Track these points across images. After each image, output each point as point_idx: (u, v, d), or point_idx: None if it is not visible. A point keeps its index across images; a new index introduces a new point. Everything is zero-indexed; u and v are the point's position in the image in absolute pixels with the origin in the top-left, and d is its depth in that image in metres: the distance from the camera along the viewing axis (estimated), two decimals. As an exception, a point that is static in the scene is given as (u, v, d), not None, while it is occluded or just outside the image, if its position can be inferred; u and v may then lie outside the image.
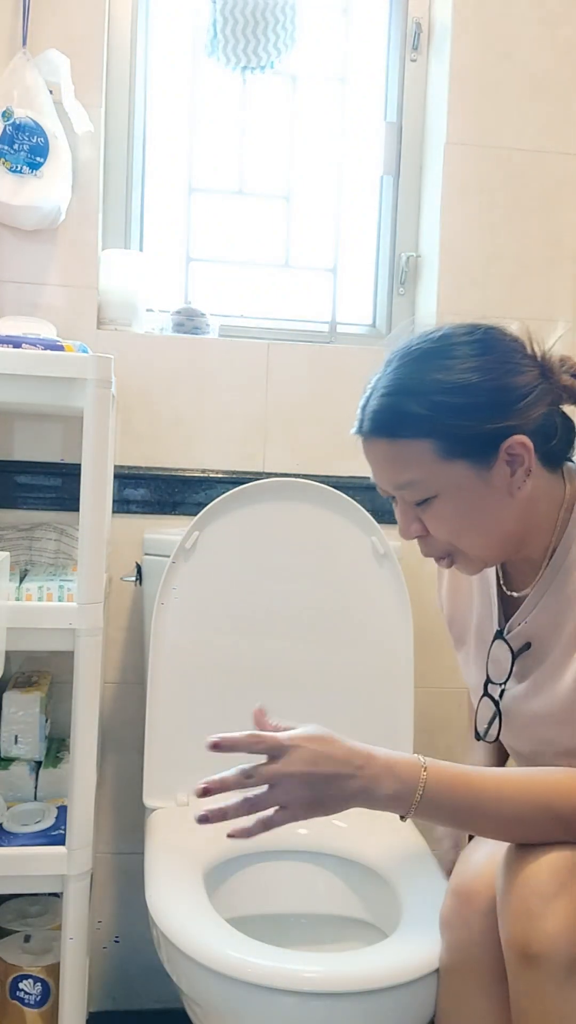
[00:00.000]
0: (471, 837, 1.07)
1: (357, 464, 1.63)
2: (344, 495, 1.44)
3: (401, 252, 1.76)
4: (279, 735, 0.89)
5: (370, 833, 1.29)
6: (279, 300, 1.77)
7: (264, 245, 1.76)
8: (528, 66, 1.65)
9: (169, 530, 1.50)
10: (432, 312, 1.66)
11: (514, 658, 1.01)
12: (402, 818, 0.90)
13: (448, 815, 0.90)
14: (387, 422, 0.93)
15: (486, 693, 1.06)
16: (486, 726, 1.06)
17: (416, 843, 1.26)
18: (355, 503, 1.44)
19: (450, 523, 0.93)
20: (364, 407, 0.97)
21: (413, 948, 1.00)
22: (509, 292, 1.65)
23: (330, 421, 1.63)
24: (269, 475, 1.59)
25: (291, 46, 1.63)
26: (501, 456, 0.90)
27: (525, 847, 0.88)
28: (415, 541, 0.99)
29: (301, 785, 0.87)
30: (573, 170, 1.68)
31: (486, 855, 0.98)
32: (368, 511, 1.44)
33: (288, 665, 1.43)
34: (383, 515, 1.55)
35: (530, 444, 0.90)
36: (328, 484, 1.45)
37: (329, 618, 1.44)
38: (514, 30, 1.64)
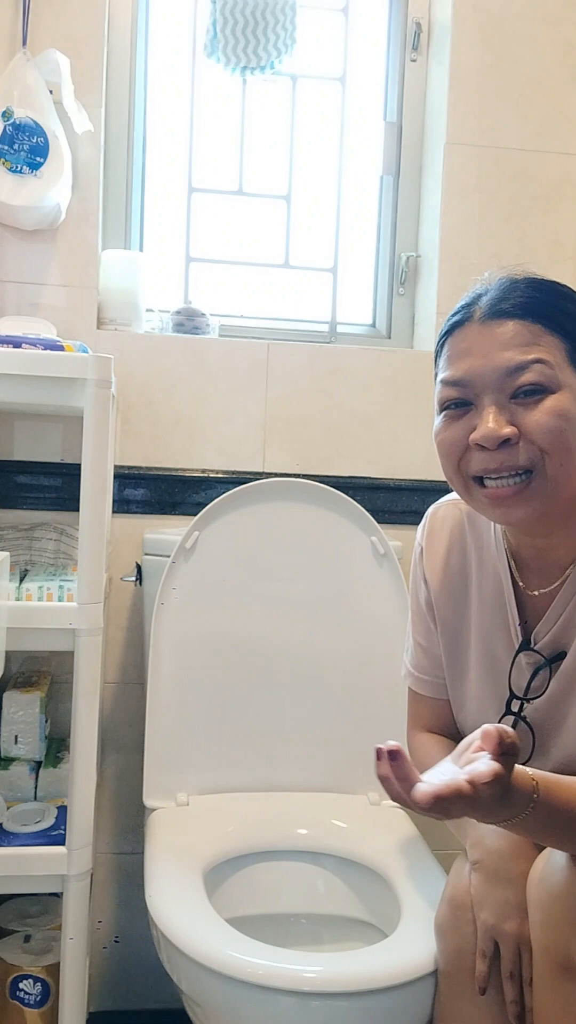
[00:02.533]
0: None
1: (357, 464, 1.64)
2: (344, 495, 1.44)
3: (401, 252, 1.76)
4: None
5: (370, 833, 1.29)
6: (279, 300, 1.77)
7: (264, 245, 1.76)
8: (528, 66, 1.65)
9: (169, 530, 1.50)
10: (432, 312, 1.66)
11: (549, 669, 0.94)
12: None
13: (559, 824, 0.81)
14: (528, 305, 0.87)
15: (508, 711, 0.99)
16: None
17: (416, 843, 1.26)
18: (355, 503, 1.44)
19: (558, 424, 0.85)
20: (481, 296, 0.90)
21: (412, 948, 1.00)
22: (509, 292, 1.65)
23: (330, 421, 1.63)
24: (269, 475, 1.59)
25: (291, 46, 1.63)
26: None
27: (569, 858, 0.84)
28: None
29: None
30: (573, 170, 1.68)
31: None
32: (368, 511, 1.44)
33: (288, 664, 1.43)
34: (383, 515, 1.56)
35: None
36: (328, 484, 1.45)
37: (329, 618, 1.44)
38: (514, 30, 1.64)
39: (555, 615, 0.95)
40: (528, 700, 0.98)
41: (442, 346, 0.93)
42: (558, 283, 0.92)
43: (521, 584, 1.00)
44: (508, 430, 0.86)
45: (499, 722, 0.97)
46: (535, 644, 0.97)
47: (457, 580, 1.06)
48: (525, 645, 0.98)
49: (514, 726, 0.98)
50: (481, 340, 0.88)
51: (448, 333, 0.91)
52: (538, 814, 0.78)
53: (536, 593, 0.98)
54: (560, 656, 0.94)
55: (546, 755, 0.98)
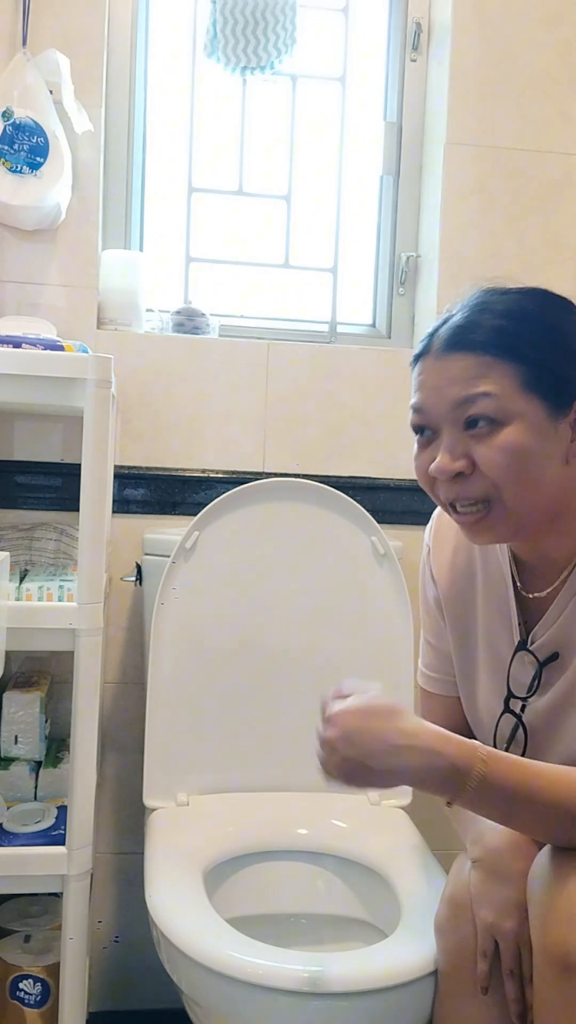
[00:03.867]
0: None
1: (357, 464, 1.64)
2: (344, 495, 1.44)
3: (401, 252, 1.76)
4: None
5: (370, 833, 1.29)
6: (279, 300, 1.77)
7: (264, 245, 1.76)
8: (528, 66, 1.65)
9: (169, 530, 1.50)
10: (432, 312, 1.66)
11: (540, 670, 0.96)
12: (448, 804, 0.87)
13: (503, 801, 0.84)
14: (477, 337, 0.87)
15: (507, 709, 1.00)
16: (506, 745, 1.00)
17: (416, 843, 1.26)
18: (355, 503, 1.44)
19: (509, 458, 0.86)
20: (442, 326, 0.91)
21: (412, 948, 1.00)
22: (509, 292, 1.65)
23: (330, 421, 1.63)
24: (269, 475, 1.59)
25: (291, 46, 1.63)
26: (571, 414, 0.88)
27: (569, 855, 0.85)
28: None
29: (350, 730, 0.89)
30: (573, 170, 1.68)
31: None
32: (368, 511, 1.44)
33: (288, 665, 1.43)
34: (383, 515, 1.56)
35: None
36: (328, 484, 1.45)
37: (329, 618, 1.44)
38: (514, 30, 1.64)
39: (552, 617, 0.95)
40: (526, 700, 0.98)
41: (412, 371, 0.96)
42: (537, 298, 0.91)
43: (522, 585, 1.00)
44: (459, 464, 0.89)
45: (498, 721, 1.00)
46: (532, 644, 0.97)
47: (464, 579, 1.07)
48: (522, 645, 0.98)
49: (515, 727, 0.99)
50: (434, 373, 0.91)
51: (414, 361, 0.95)
52: (487, 791, 0.82)
53: (537, 595, 0.98)
54: (553, 657, 0.95)
55: (544, 758, 0.97)
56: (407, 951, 0.99)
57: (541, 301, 0.91)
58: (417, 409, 0.93)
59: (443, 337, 0.90)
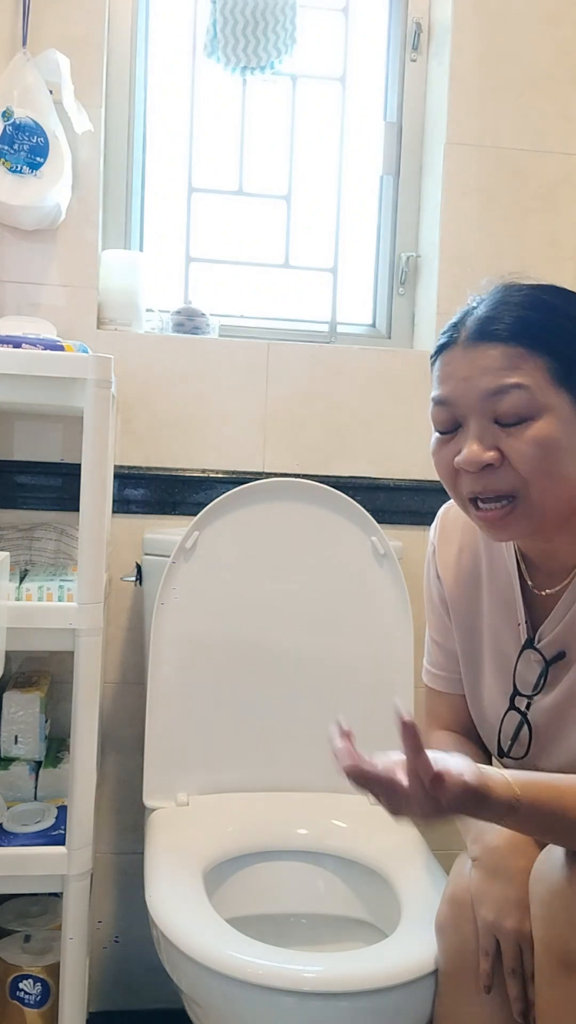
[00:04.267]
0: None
1: (357, 464, 1.64)
2: (344, 495, 1.44)
3: (401, 252, 1.76)
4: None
5: (370, 833, 1.29)
6: (279, 300, 1.77)
7: (264, 245, 1.76)
8: (528, 66, 1.65)
9: (169, 530, 1.50)
10: (432, 312, 1.66)
11: (546, 668, 0.96)
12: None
13: (538, 824, 0.83)
14: (507, 328, 0.87)
15: (512, 707, 1.00)
16: (510, 742, 1.00)
17: (416, 843, 1.26)
18: (355, 503, 1.44)
19: (540, 451, 0.85)
20: (467, 318, 0.90)
21: (412, 948, 1.00)
22: (509, 292, 1.65)
23: (330, 421, 1.63)
24: (269, 475, 1.59)
25: (291, 46, 1.63)
26: None
27: (572, 855, 0.84)
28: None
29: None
30: (573, 170, 1.68)
31: None
32: (368, 511, 1.44)
33: (288, 665, 1.43)
34: (383, 515, 1.56)
35: None
36: (328, 484, 1.45)
37: (329, 618, 1.44)
38: (514, 30, 1.64)
39: (559, 615, 0.95)
40: (531, 698, 0.98)
41: (433, 364, 0.93)
42: (556, 293, 0.91)
43: (530, 583, 1.00)
44: (489, 455, 0.87)
45: (503, 718, 1.00)
46: (539, 643, 0.97)
47: (469, 577, 1.07)
48: (529, 643, 0.98)
49: (519, 724, 0.99)
50: (463, 364, 0.88)
51: (437, 353, 0.92)
52: (523, 817, 0.81)
53: (544, 593, 0.98)
54: (559, 656, 0.95)
55: (548, 756, 0.98)
56: (407, 951, 0.99)
57: (561, 295, 0.91)
58: (442, 401, 0.90)
59: (471, 328, 0.89)
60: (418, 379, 1.64)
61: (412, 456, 1.65)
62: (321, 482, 1.45)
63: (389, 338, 1.78)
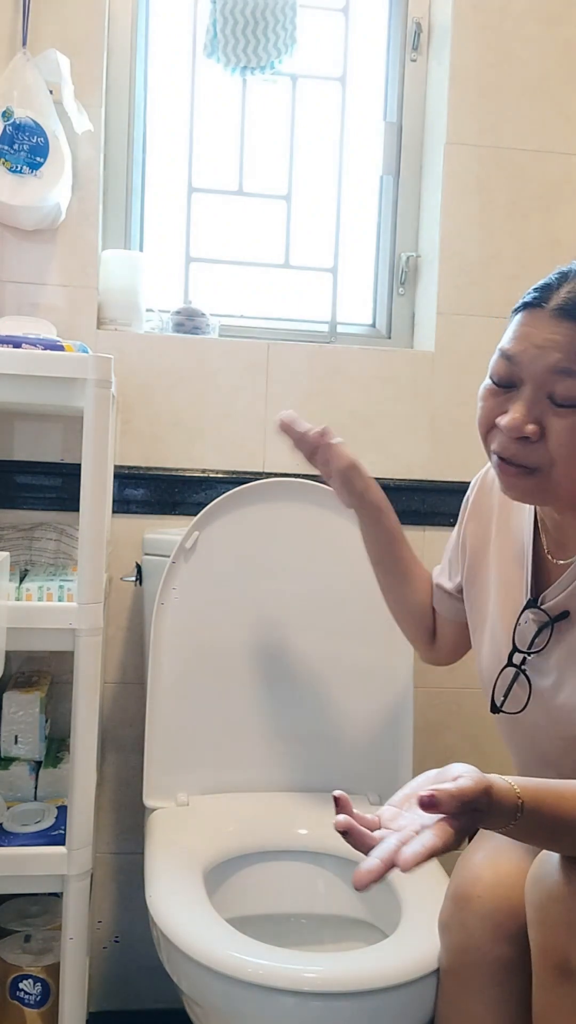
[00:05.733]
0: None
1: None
2: (344, 495, 1.44)
3: (401, 252, 1.76)
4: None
5: (370, 833, 1.28)
6: (279, 300, 1.77)
7: (264, 245, 1.76)
8: (528, 66, 1.65)
9: (169, 530, 1.50)
10: (432, 312, 1.66)
11: (551, 627, 0.97)
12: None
13: (545, 830, 0.82)
14: None
15: (510, 662, 1.01)
16: (503, 698, 1.02)
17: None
18: (355, 503, 1.44)
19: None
20: (565, 281, 0.89)
21: (413, 948, 1.00)
22: (509, 292, 1.65)
23: (330, 421, 1.62)
24: (269, 475, 1.59)
25: (291, 47, 1.63)
26: None
27: (568, 860, 0.84)
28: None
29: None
30: (573, 170, 1.68)
31: (485, 859, 0.98)
32: (368, 511, 1.44)
33: (288, 665, 1.43)
34: (383, 515, 1.55)
35: None
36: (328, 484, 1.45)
37: (329, 618, 1.44)
38: (514, 30, 1.64)
39: (567, 581, 0.97)
40: (528, 654, 1.00)
41: (514, 315, 0.93)
42: None
43: (545, 549, 1.02)
44: (530, 428, 0.87)
45: (499, 673, 1.02)
46: (543, 604, 0.99)
47: (488, 531, 1.11)
48: (532, 603, 1.00)
49: (514, 678, 1.01)
50: (542, 331, 0.88)
51: (523, 308, 0.91)
52: (524, 825, 0.79)
53: (556, 561, 1.00)
54: (563, 616, 0.97)
55: (546, 713, 0.99)
56: (408, 951, 0.99)
57: None
58: (509, 356, 0.89)
59: (563, 299, 0.88)
60: (418, 379, 1.64)
61: (412, 456, 1.65)
62: (321, 482, 1.45)
63: (389, 338, 1.78)
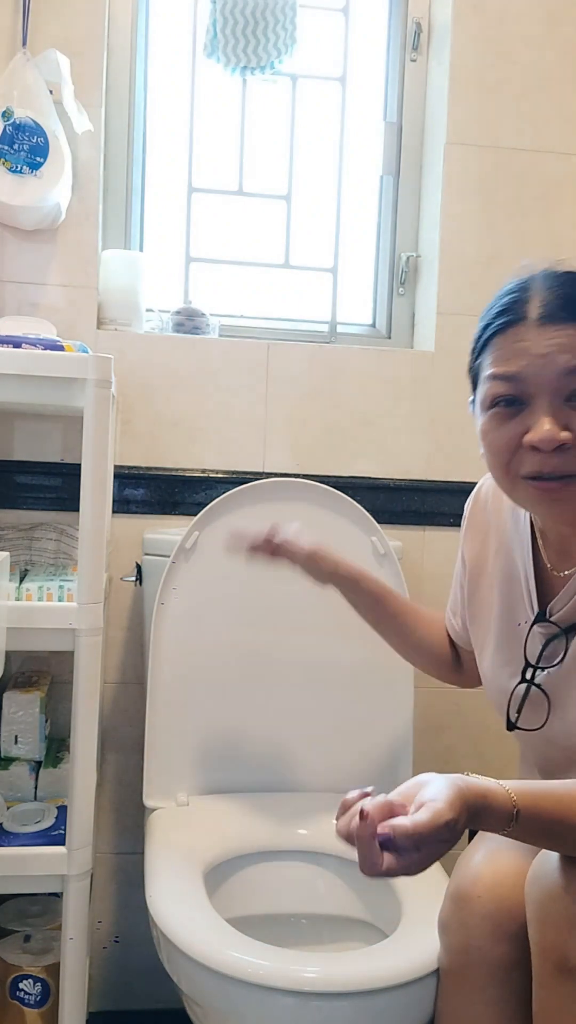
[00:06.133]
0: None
1: (357, 464, 1.64)
2: (344, 495, 1.44)
3: (401, 252, 1.76)
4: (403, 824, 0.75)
5: (370, 833, 1.28)
6: (279, 300, 1.77)
7: (264, 245, 1.76)
8: (528, 66, 1.65)
9: (169, 530, 1.50)
10: (432, 312, 1.66)
11: (566, 640, 0.96)
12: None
13: (543, 831, 0.82)
14: None
15: (523, 679, 1.00)
16: (517, 714, 1.01)
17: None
18: (355, 503, 1.44)
19: None
20: (529, 293, 0.89)
21: (413, 948, 1.00)
22: (509, 292, 1.65)
23: (330, 421, 1.63)
24: (269, 475, 1.59)
25: (291, 47, 1.63)
26: None
27: (567, 859, 0.84)
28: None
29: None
30: (573, 170, 1.68)
31: (485, 858, 0.98)
32: (368, 511, 1.44)
33: (288, 665, 1.42)
34: (383, 515, 1.56)
35: None
36: (328, 484, 1.45)
37: (329, 618, 1.44)
38: (514, 30, 1.64)
39: (571, 591, 0.96)
40: (541, 668, 0.98)
41: (486, 343, 0.92)
42: None
43: (545, 560, 1.01)
44: (565, 435, 0.86)
45: (513, 689, 1.00)
46: (551, 616, 0.98)
47: (486, 549, 1.10)
48: (541, 616, 0.99)
49: (526, 693, 1.00)
50: (539, 339, 0.87)
51: (499, 331, 0.90)
52: (521, 829, 0.80)
53: (559, 573, 0.99)
54: (573, 628, 0.95)
55: (564, 720, 0.98)
56: (408, 951, 0.99)
57: None
58: (510, 377, 0.88)
59: (544, 306, 0.87)
60: (418, 379, 1.64)
61: (412, 456, 1.65)
62: (321, 482, 1.45)
63: (389, 338, 1.78)
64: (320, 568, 1.16)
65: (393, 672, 1.44)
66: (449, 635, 1.21)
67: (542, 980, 0.85)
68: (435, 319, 1.65)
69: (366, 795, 0.78)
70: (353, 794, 0.78)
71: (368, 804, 0.75)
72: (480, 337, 0.93)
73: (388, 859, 0.74)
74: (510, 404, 0.89)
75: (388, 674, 1.44)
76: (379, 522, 1.44)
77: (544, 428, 0.86)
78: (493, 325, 0.91)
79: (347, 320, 1.79)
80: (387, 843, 0.74)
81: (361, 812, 0.74)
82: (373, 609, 1.19)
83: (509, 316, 0.89)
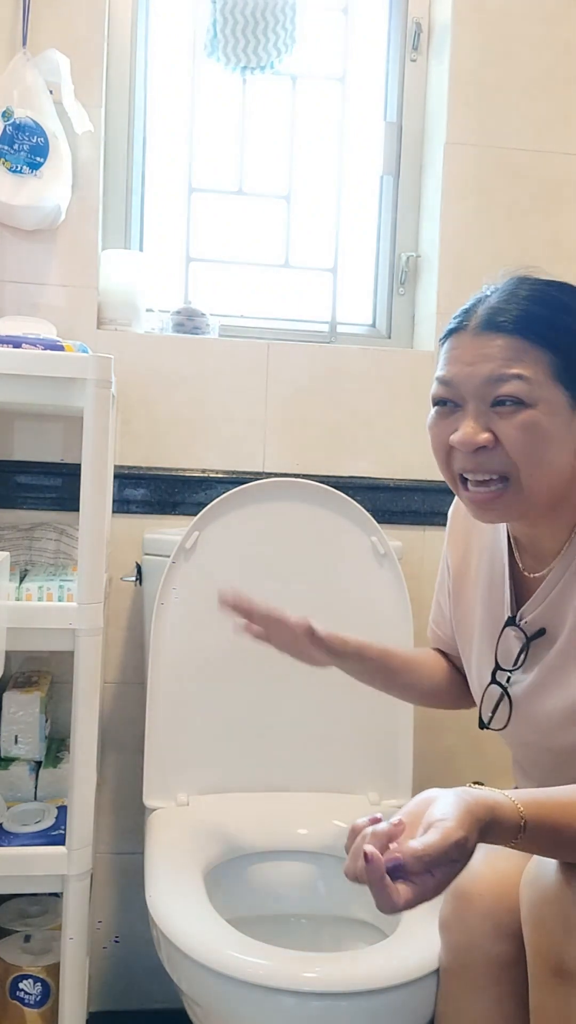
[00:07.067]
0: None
1: (357, 464, 1.64)
2: (344, 495, 1.44)
3: (401, 252, 1.76)
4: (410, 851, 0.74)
5: (370, 833, 1.28)
6: (279, 300, 1.77)
7: (264, 245, 1.76)
8: (528, 66, 1.65)
9: (169, 530, 1.50)
10: (432, 312, 1.66)
11: (527, 645, 0.99)
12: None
13: (551, 840, 0.82)
14: (515, 321, 0.91)
15: (493, 680, 1.04)
16: (491, 713, 1.04)
17: (416, 843, 1.26)
18: (355, 503, 1.44)
19: (530, 436, 0.89)
20: (478, 305, 0.94)
21: (413, 948, 1.00)
22: (509, 292, 1.65)
23: (330, 421, 1.63)
24: (269, 475, 1.59)
25: (291, 46, 1.63)
26: None
27: (563, 863, 0.85)
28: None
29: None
30: (573, 170, 1.68)
31: (485, 857, 0.98)
32: (368, 511, 1.44)
33: (288, 665, 1.42)
34: (383, 515, 1.56)
35: None
36: (328, 484, 1.45)
37: (329, 618, 1.43)
38: (514, 30, 1.64)
39: (542, 596, 0.99)
40: (511, 672, 1.01)
41: (442, 345, 0.97)
42: (566, 290, 0.95)
43: (520, 565, 1.04)
44: (483, 437, 0.90)
45: (484, 691, 1.05)
46: (521, 621, 1.01)
47: (471, 555, 1.12)
48: (511, 621, 1.02)
49: (500, 696, 1.03)
50: (471, 349, 0.92)
51: (447, 336, 0.96)
52: (528, 840, 0.80)
53: (531, 575, 1.02)
54: (539, 633, 0.98)
55: (527, 729, 1.01)
56: (408, 951, 0.99)
57: (570, 292, 0.95)
58: (445, 381, 0.94)
59: (481, 316, 0.92)
60: (418, 379, 1.64)
61: (412, 456, 1.65)
62: (321, 482, 1.45)
63: (389, 338, 1.78)
64: (327, 647, 1.12)
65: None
66: (445, 653, 1.21)
67: (538, 982, 0.86)
68: (435, 319, 1.65)
69: (376, 821, 0.77)
70: (362, 820, 0.78)
71: (369, 839, 0.75)
72: (439, 340, 0.99)
73: (404, 891, 0.73)
74: (446, 404, 0.94)
75: (371, 640, 1.43)
76: (379, 522, 1.44)
77: (464, 431, 0.91)
78: (445, 331, 0.97)
79: (347, 320, 1.79)
80: (398, 868, 0.72)
81: (365, 855, 0.73)
82: (381, 672, 1.17)
83: (455, 323, 0.95)
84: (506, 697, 1.02)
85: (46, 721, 1.43)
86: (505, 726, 1.03)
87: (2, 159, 1.43)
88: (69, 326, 1.54)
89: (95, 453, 1.17)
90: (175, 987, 1.04)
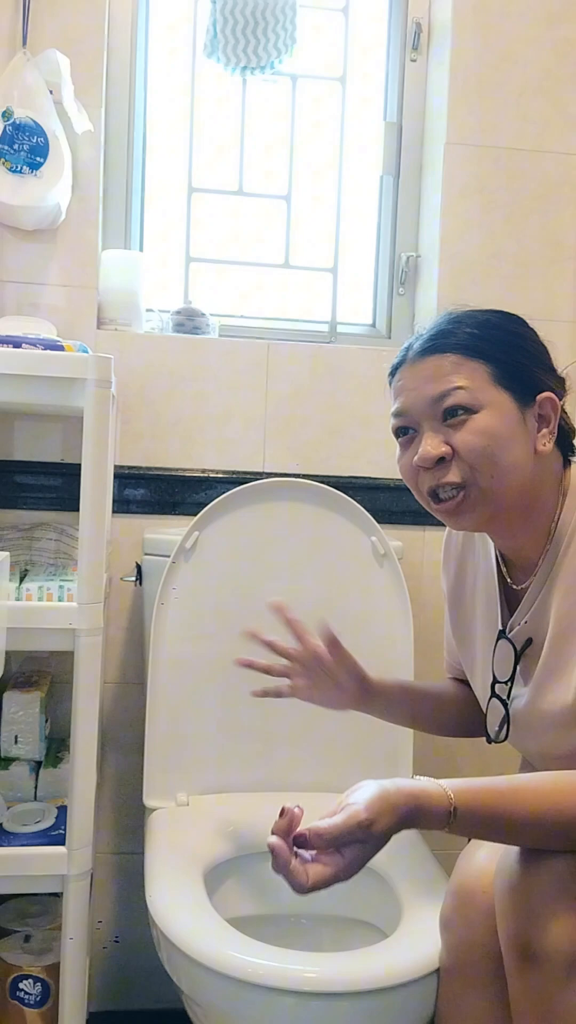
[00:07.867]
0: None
1: (357, 464, 1.64)
2: (344, 495, 1.44)
3: (401, 252, 1.76)
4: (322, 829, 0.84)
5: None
6: (279, 300, 1.77)
7: (264, 245, 1.76)
8: (528, 66, 1.65)
9: (169, 530, 1.50)
10: (432, 312, 1.66)
11: (518, 656, 1.01)
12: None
13: (484, 825, 0.87)
14: (448, 341, 0.97)
15: (494, 694, 1.05)
16: (496, 728, 1.05)
17: (416, 843, 1.26)
18: (355, 503, 1.44)
19: (483, 439, 0.93)
20: (415, 341, 1.00)
21: (413, 948, 1.00)
22: (509, 292, 1.65)
23: (330, 421, 1.63)
24: (269, 475, 1.59)
25: (291, 46, 1.63)
26: (536, 406, 0.96)
27: (530, 851, 0.87)
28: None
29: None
30: (573, 170, 1.68)
31: (487, 855, 0.98)
32: (368, 511, 1.44)
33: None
34: (383, 515, 1.56)
35: (558, 407, 0.97)
36: (328, 484, 1.45)
37: (329, 618, 1.43)
38: (514, 30, 1.64)
39: (526, 607, 1.01)
40: (506, 683, 1.03)
41: (390, 383, 1.03)
42: (497, 313, 1.00)
43: (509, 579, 1.07)
44: (442, 449, 0.95)
45: (487, 706, 1.06)
46: (510, 632, 1.03)
47: (465, 575, 1.15)
48: (502, 634, 1.04)
49: (500, 710, 1.05)
50: (412, 376, 0.98)
51: (392, 373, 1.03)
52: (460, 826, 0.85)
53: (518, 587, 1.04)
54: (528, 643, 1.01)
55: (526, 740, 1.02)
56: (408, 951, 0.99)
57: (502, 316, 1.01)
58: (398, 413, 1.00)
59: (417, 348, 0.99)
60: (418, 379, 1.64)
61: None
62: (321, 482, 1.45)
63: (389, 338, 1.78)
64: (355, 680, 1.17)
65: (393, 672, 1.44)
66: (463, 681, 1.22)
67: (510, 970, 0.87)
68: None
69: (284, 812, 0.87)
70: (285, 812, 0.87)
71: (272, 831, 0.86)
72: (388, 380, 1.04)
73: (312, 871, 0.84)
74: (405, 433, 1.00)
75: (388, 674, 1.43)
76: (379, 522, 1.44)
77: (423, 448, 0.96)
78: (390, 369, 1.03)
79: (347, 320, 1.79)
80: (304, 844, 0.83)
81: (270, 847, 0.84)
82: (411, 716, 1.22)
83: (397, 360, 1.02)
84: (505, 710, 1.04)
85: (46, 721, 1.43)
86: (504, 739, 1.05)
87: (2, 159, 1.43)
88: (69, 326, 1.54)
89: (95, 453, 1.17)
90: (175, 987, 1.04)
